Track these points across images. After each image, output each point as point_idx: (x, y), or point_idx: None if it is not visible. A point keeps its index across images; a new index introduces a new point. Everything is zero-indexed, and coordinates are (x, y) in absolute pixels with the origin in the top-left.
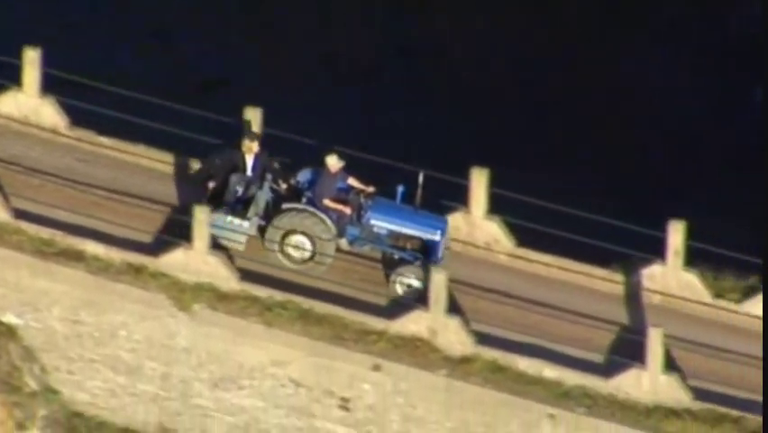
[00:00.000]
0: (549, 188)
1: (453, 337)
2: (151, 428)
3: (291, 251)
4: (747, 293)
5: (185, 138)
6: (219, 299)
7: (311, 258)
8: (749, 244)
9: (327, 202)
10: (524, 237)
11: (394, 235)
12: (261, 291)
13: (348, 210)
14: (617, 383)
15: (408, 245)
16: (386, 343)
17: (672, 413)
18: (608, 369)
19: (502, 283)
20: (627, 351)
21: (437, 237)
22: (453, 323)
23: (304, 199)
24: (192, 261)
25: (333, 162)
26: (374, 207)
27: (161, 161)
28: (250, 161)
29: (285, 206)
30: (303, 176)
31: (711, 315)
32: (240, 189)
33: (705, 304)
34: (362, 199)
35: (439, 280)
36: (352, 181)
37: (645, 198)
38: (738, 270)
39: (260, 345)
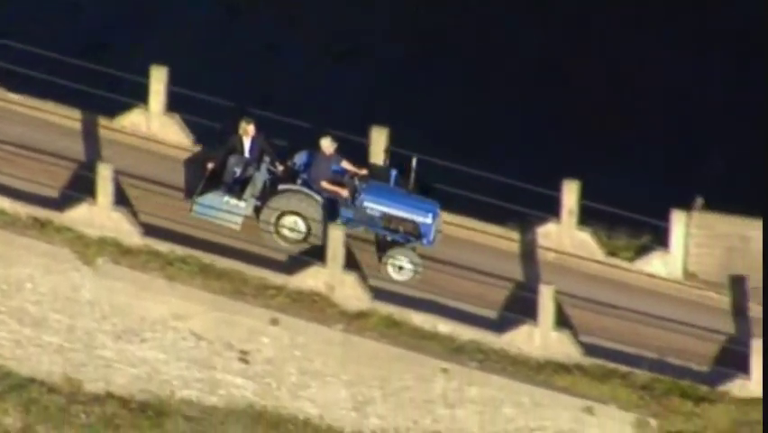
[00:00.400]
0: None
1: (350, 293)
2: (56, 378)
3: (286, 231)
4: (640, 252)
5: (94, 95)
6: (122, 253)
7: (305, 239)
8: (642, 204)
9: (324, 184)
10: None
11: (387, 218)
12: (163, 246)
13: (345, 192)
14: (509, 339)
15: (401, 228)
16: (284, 297)
17: (563, 368)
18: (500, 325)
19: None
20: (521, 307)
21: (429, 220)
22: (350, 279)
23: (299, 181)
24: (96, 216)
25: (327, 145)
26: (368, 190)
27: (70, 118)
28: (247, 143)
29: (281, 187)
30: (299, 158)
31: (604, 272)
32: (237, 171)
33: (598, 262)
34: (356, 182)
35: (336, 236)
36: (345, 164)
37: (544, 157)
38: (632, 229)
39: (162, 298)
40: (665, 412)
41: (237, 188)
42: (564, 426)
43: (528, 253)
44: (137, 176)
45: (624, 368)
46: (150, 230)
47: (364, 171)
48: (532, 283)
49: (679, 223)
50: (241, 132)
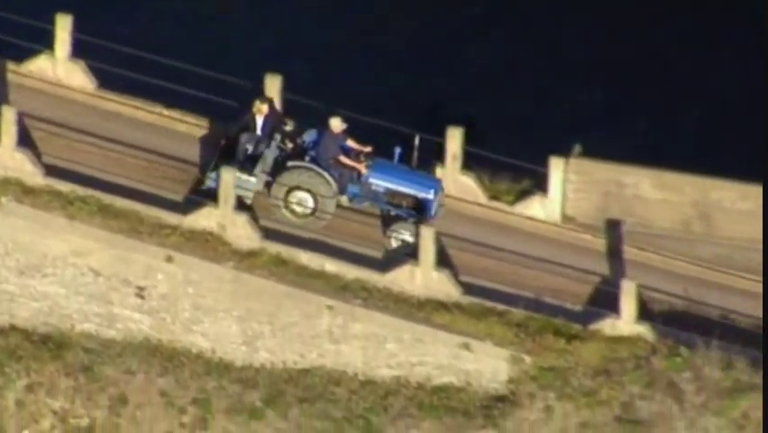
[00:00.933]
0: None
1: (241, 232)
2: None
3: (294, 206)
4: (520, 196)
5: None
6: (25, 192)
7: (312, 213)
8: (522, 151)
9: (344, 159)
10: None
11: (391, 193)
12: (65, 186)
13: (363, 168)
14: (392, 278)
15: (404, 203)
16: (179, 236)
17: (442, 306)
18: (384, 264)
19: None
20: (406, 249)
21: (431, 196)
22: (241, 219)
23: (307, 158)
24: (0, 156)
25: (337, 124)
26: (373, 167)
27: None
28: (260, 121)
29: (290, 163)
30: (308, 136)
31: (486, 215)
32: (250, 147)
33: (480, 205)
34: (362, 159)
35: (228, 178)
36: (350, 143)
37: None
38: (513, 174)
39: (63, 236)
40: (539, 349)
41: (249, 164)
42: (443, 361)
43: None
44: (41, 119)
45: (501, 307)
46: (52, 171)
47: (369, 149)
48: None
49: (557, 169)
50: (254, 110)
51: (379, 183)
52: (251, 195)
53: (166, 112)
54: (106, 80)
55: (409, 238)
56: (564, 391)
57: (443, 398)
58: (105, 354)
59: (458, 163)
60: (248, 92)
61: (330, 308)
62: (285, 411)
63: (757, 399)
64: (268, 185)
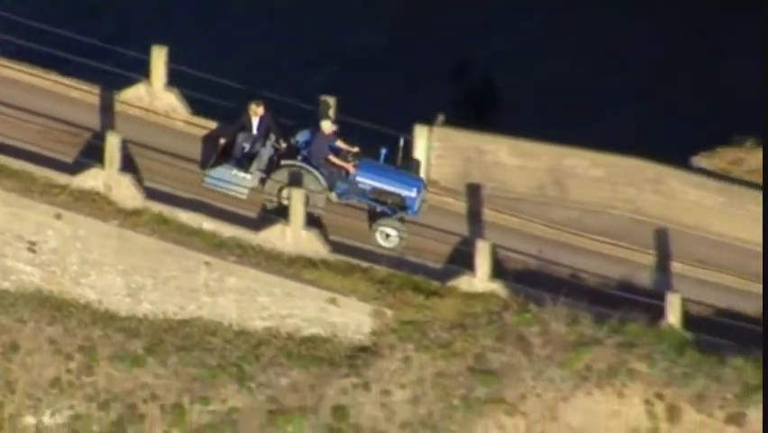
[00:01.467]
0: None
1: (126, 192)
2: None
3: (285, 202)
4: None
5: None
6: None
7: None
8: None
9: (333, 159)
10: (198, 108)
11: (376, 191)
12: None
13: (351, 167)
14: (264, 236)
15: (389, 200)
16: (67, 195)
17: (311, 263)
18: (258, 223)
19: (175, 147)
20: (278, 209)
21: (414, 194)
22: (126, 180)
23: (299, 157)
24: None
25: (327, 126)
26: (360, 167)
27: None
28: (255, 121)
29: (283, 162)
30: (301, 136)
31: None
32: (246, 146)
33: (185, 121)
34: (350, 159)
35: (112, 141)
36: (340, 143)
37: None
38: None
39: None
40: (400, 304)
41: (245, 162)
42: (311, 314)
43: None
44: None
45: (365, 264)
46: None
47: (357, 150)
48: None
49: (421, 137)
50: (250, 112)
51: (366, 182)
52: (245, 191)
53: (60, 79)
54: (4, 49)
55: (393, 233)
56: (422, 343)
57: (311, 348)
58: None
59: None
60: (240, 94)
61: (207, 263)
62: (164, 359)
63: (600, 351)
64: (262, 181)
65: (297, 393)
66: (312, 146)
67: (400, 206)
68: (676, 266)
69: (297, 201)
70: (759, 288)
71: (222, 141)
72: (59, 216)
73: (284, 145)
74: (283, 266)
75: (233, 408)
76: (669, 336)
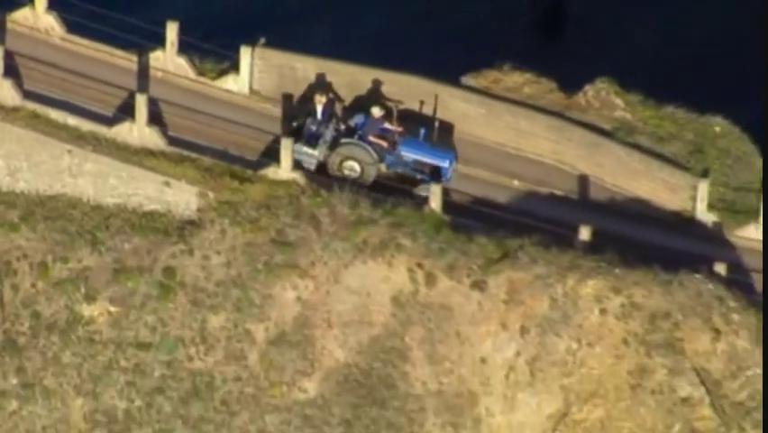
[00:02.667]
0: None
1: (7, 93)
2: None
3: (346, 171)
4: (221, 73)
5: None
6: None
7: (359, 177)
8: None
9: (372, 138)
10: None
11: (417, 162)
12: None
13: (385, 144)
14: (116, 131)
15: (426, 169)
16: None
17: (152, 153)
18: (111, 120)
19: (51, 58)
20: (128, 108)
21: (446, 165)
22: (8, 83)
23: (356, 136)
24: None
25: (377, 111)
26: (404, 143)
27: None
28: (319, 108)
29: (343, 140)
30: (356, 120)
31: (194, 87)
32: (313, 128)
33: (190, 79)
34: (396, 137)
35: None
36: (387, 125)
37: None
38: (218, 57)
39: None
40: (219, 188)
41: (313, 140)
42: (151, 194)
43: (142, 71)
44: None
45: (194, 155)
46: None
47: (401, 129)
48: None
49: (246, 55)
50: (315, 101)
51: (408, 155)
52: (314, 163)
53: None
54: None
55: (428, 195)
56: (235, 219)
57: (150, 220)
58: None
59: (175, 48)
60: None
61: (69, 151)
62: (34, 226)
63: (375, 229)
64: (326, 156)
65: (137, 256)
66: (365, 127)
67: (435, 174)
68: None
69: (140, 102)
70: (509, 182)
71: (294, 124)
72: None
73: (343, 127)
74: (130, 155)
75: (86, 266)
76: (430, 218)
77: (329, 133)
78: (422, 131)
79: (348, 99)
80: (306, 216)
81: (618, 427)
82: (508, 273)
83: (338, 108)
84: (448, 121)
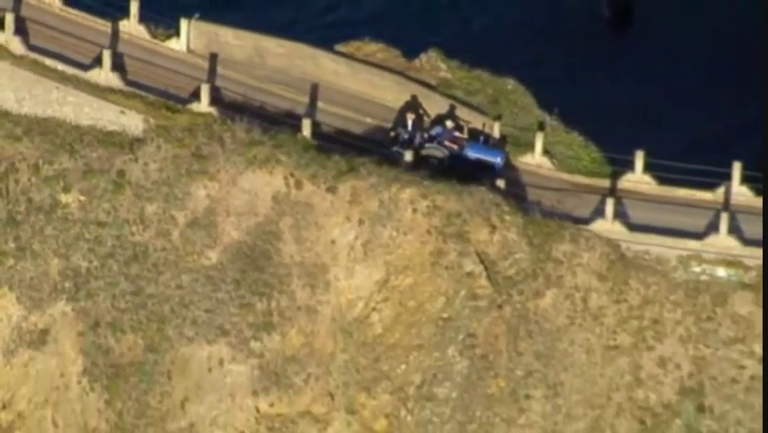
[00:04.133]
0: None
1: (16, 46)
2: None
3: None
4: (168, 37)
5: None
6: None
7: (437, 166)
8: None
9: (446, 142)
10: (67, 2)
11: (478, 159)
12: None
13: (456, 147)
14: (90, 74)
15: (485, 164)
16: None
17: (113, 91)
18: (87, 67)
19: (51, 23)
20: (99, 59)
21: (498, 161)
22: (16, 39)
23: (435, 142)
24: None
25: (449, 124)
26: (469, 146)
27: None
28: (410, 122)
29: (427, 145)
30: (435, 131)
31: (151, 47)
32: (405, 136)
33: (146, 41)
34: (464, 142)
35: (9, 17)
36: (457, 133)
37: None
38: (166, 25)
39: None
40: (158, 116)
41: (405, 145)
42: (112, 119)
43: (113, 34)
44: None
45: (143, 93)
46: None
47: (466, 137)
48: (111, 47)
49: (184, 25)
50: (407, 117)
51: (472, 154)
52: (408, 159)
53: None
54: None
55: (487, 181)
56: (168, 138)
57: (110, 137)
58: None
59: (136, 19)
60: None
61: (57, 87)
62: (32, 138)
63: (262, 148)
64: (415, 155)
65: (100, 161)
66: (441, 136)
67: (491, 167)
68: (319, 104)
69: (107, 58)
70: (363, 119)
71: (392, 133)
72: None
73: (426, 136)
74: (99, 91)
75: (65, 168)
76: (301, 142)
77: (417, 140)
78: (481, 138)
79: (254, 60)
80: (216, 137)
81: (422, 291)
82: (352, 182)
83: (426, 120)
84: (332, 80)
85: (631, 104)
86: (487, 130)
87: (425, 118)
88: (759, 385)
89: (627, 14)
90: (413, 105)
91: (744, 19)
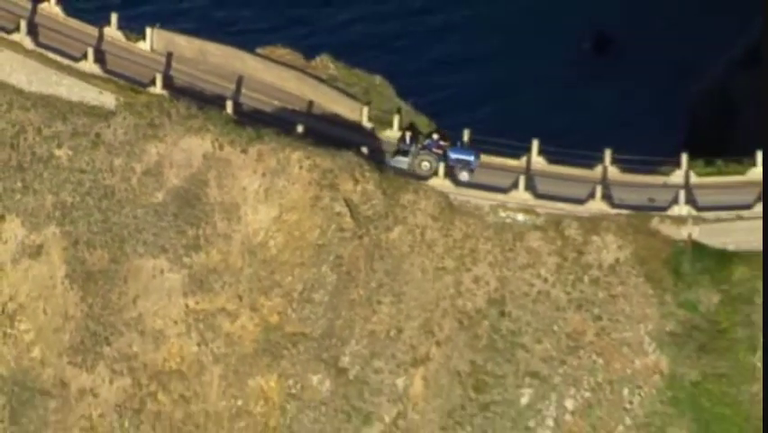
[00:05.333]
0: None
1: (28, 43)
2: None
3: (423, 166)
4: (137, 40)
5: None
6: None
7: (429, 169)
8: None
9: (434, 150)
10: (69, 14)
11: (457, 159)
12: None
13: (441, 152)
14: (79, 65)
15: (461, 163)
16: None
17: (95, 77)
18: (77, 59)
19: (55, 28)
20: (86, 55)
21: (472, 159)
22: (28, 38)
23: (427, 150)
24: None
25: (435, 136)
26: (450, 151)
27: None
28: (407, 137)
29: (420, 153)
30: (426, 142)
31: (125, 46)
32: (405, 148)
33: (123, 42)
34: (447, 148)
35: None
36: (441, 142)
37: None
38: (139, 32)
39: None
40: (126, 95)
41: (403, 154)
42: (94, 97)
43: (99, 37)
44: None
45: (115, 78)
46: None
47: (448, 143)
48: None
49: (149, 32)
50: (404, 133)
51: (453, 156)
52: (406, 166)
53: None
54: None
55: (460, 175)
56: (131, 112)
57: (92, 110)
58: None
59: (115, 26)
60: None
61: (56, 73)
62: (37, 109)
63: (196, 121)
64: (411, 162)
65: (84, 127)
66: (431, 146)
67: (467, 164)
68: (243, 90)
69: (90, 52)
70: (271, 102)
71: (397, 147)
72: None
73: (420, 146)
74: (85, 76)
75: (59, 131)
76: (225, 117)
77: (413, 150)
78: (458, 143)
79: (202, 57)
80: (165, 112)
81: (304, 224)
82: (259, 146)
83: (421, 137)
84: (252, 74)
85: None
86: (464, 140)
87: (419, 135)
88: (545, 298)
89: (603, 46)
90: (411, 127)
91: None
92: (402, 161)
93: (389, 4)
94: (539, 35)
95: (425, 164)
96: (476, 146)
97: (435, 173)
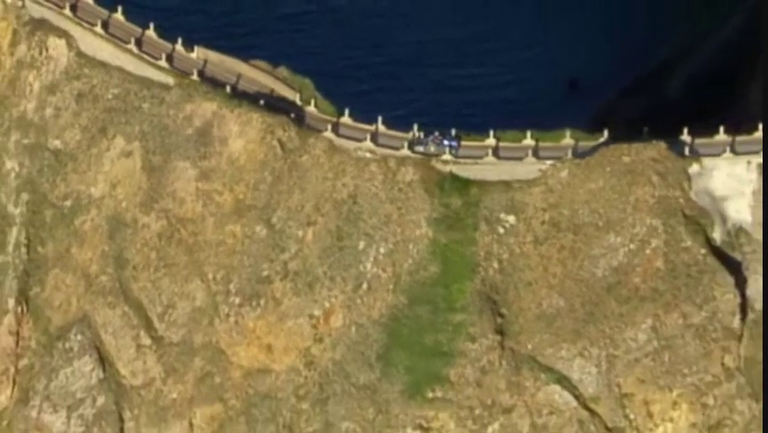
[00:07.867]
0: None
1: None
2: None
3: (431, 149)
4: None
5: None
6: None
7: (434, 154)
8: None
9: (435, 140)
10: None
11: (449, 144)
12: None
13: (438, 141)
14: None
15: (451, 147)
16: None
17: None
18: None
19: None
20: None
21: (455, 144)
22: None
23: (432, 140)
24: None
25: (436, 133)
26: (443, 139)
27: None
28: (421, 135)
29: (429, 142)
30: (431, 137)
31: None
32: (421, 140)
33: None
34: (443, 139)
35: None
36: (438, 135)
37: None
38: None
39: None
40: (177, 77)
41: (421, 144)
42: (162, 78)
43: None
44: None
45: (176, 70)
46: None
47: (442, 136)
48: None
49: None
50: (420, 133)
51: (446, 143)
52: (423, 149)
53: None
54: None
55: (448, 154)
56: (180, 87)
57: (161, 85)
58: None
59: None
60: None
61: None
62: None
63: (209, 96)
64: (425, 147)
65: (154, 96)
66: (434, 138)
67: (454, 148)
68: (239, 82)
69: None
70: (252, 87)
71: (417, 140)
72: None
73: (430, 137)
74: (160, 68)
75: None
76: (222, 94)
77: (425, 141)
78: (447, 134)
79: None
80: (196, 88)
81: (258, 151)
82: (238, 110)
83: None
84: (243, 73)
85: None
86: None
87: (429, 133)
88: (374, 195)
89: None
90: (424, 129)
91: None
92: (420, 147)
93: (349, 35)
94: None
95: (432, 148)
96: (458, 136)
97: (437, 154)
